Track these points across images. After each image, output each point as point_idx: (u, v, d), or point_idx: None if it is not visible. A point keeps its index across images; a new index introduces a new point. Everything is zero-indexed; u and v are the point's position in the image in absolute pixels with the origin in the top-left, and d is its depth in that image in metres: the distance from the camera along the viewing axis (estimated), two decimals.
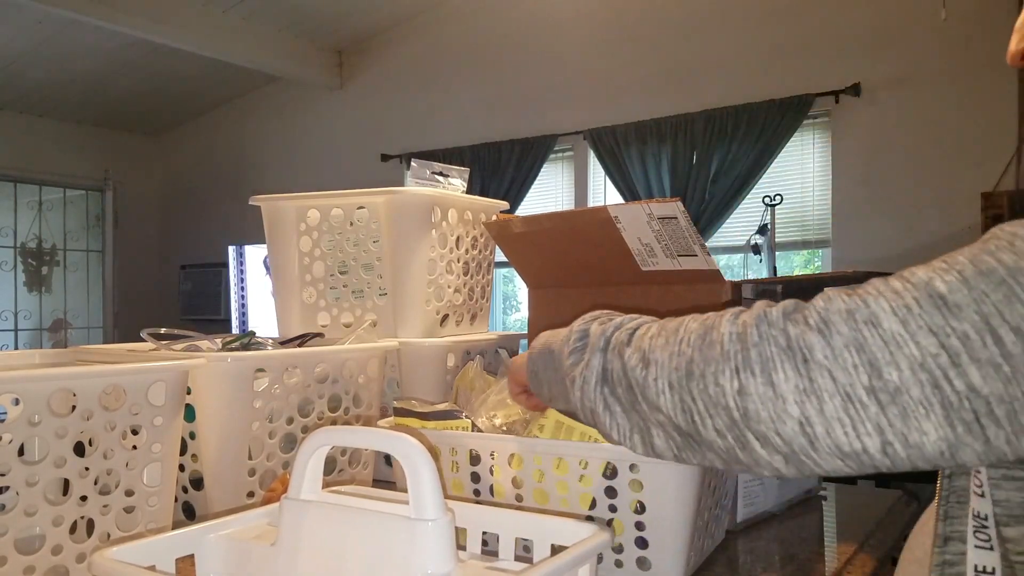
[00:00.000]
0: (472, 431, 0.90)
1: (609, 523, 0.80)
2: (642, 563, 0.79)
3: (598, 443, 0.79)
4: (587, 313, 0.67)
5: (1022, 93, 0.72)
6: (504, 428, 0.90)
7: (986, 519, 0.54)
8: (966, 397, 0.44)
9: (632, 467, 0.78)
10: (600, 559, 0.80)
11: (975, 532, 0.54)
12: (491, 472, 0.86)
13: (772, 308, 0.51)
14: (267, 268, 5.19)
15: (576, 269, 1.18)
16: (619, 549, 0.80)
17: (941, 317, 0.45)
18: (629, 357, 0.57)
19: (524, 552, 0.62)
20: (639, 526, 0.78)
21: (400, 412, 0.95)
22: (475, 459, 0.87)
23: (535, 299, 1.25)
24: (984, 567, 0.54)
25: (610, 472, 0.79)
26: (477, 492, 0.89)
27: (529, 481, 0.84)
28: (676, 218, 1.00)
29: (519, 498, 0.85)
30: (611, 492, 0.80)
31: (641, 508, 0.78)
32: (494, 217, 1.36)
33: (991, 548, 0.54)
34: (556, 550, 0.56)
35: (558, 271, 1.21)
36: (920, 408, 0.45)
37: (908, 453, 0.46)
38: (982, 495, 0.54)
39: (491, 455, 0.86)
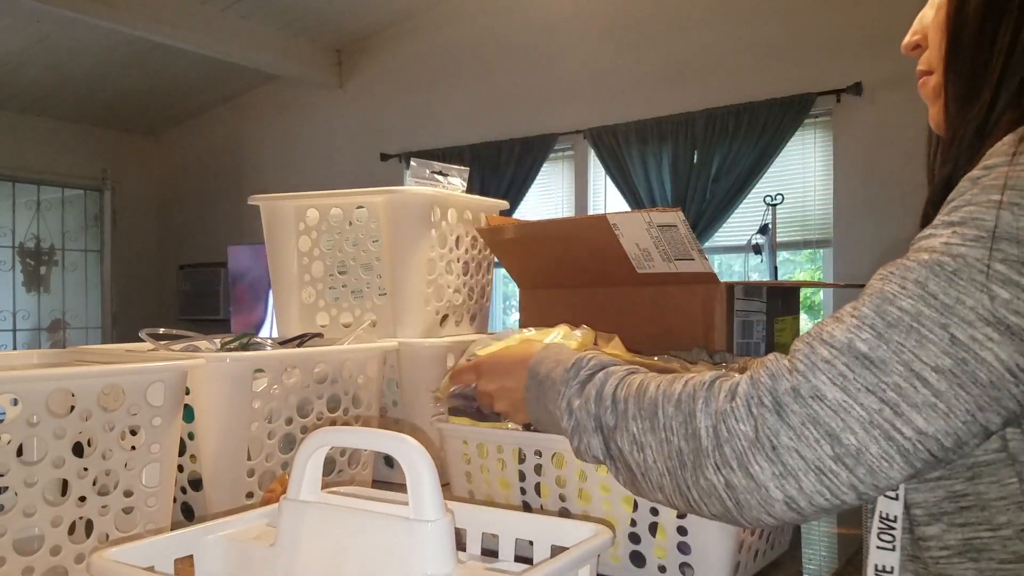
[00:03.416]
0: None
1: (652, 527, 0.79)
2: (685, 568, 0.78)
3: None
4: (555, 371, 0.69)
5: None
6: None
7: (894, 520, 0.59)
8: (917, 441, 0.50)
9: None
10: (644, 563, 0.80)
11: (879, 534, 0.59)
12: (536, 471, 0.86)
13: (735, 398, 0.55)
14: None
15: (570, 270, 1.18)
16: (661, 554, 0.79)
17: (872, 375, 0.51)
18: (622, 442, 0.62)
19: (524, 553, 0.62)
20: (681, 531, 0.77)
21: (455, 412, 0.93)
22: (521, 458, 0.87)
23: (527, 300, 1.24)
24: (884, 567, 0.59)
25: None
26: (523, 491, 0.88)
27: (573, 481, 0.83)
28: (676, 226, 1.00)
29: (562, 498, 0.84)
30: None
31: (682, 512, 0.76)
32: (483, 219, 1.36)
33: (892, 549, 0.59)
34: (556, 551, 0.56)
35: (552, 272, 1.21)
36: (883, 462, 0.51)
37: (881, 492, 0.54)
38: (895, 498, 0.59)
39: (536, 453, 0.85)
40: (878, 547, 0.59)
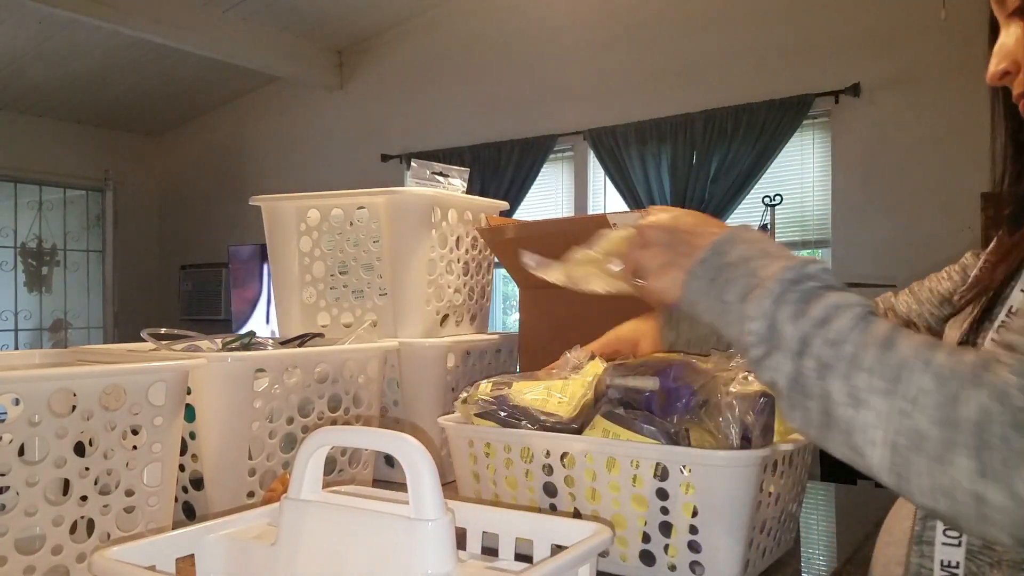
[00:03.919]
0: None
1: (663, 525, 0.79)
2: (695, 567, 0.78)
3: (648, 443, 0.79)
4: (767, 255, 0.57)
5: (995, 103, 0.75)
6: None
7: None
8: None
9: (685, 468, 0.77)
10: (654, 562, 0.81)
11: (944, 531, 0.56)
12: (544, 471, 0.86)
13: (1006, 393, 0.46)
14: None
15: None
16: (672, 552, 0.79)
17: None
18: (831, 383, 0.51)
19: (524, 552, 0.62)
20: (692, 529, 0.78)
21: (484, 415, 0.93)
22: (529, 458, 0.88)
23: (527, 299, 1.25)
24: (950, 562, 0.57)
25: (661, 473, 0.78)
26: (531, 490, 0.88)
27: (583, 481, 0.83)
28: None
29: (572, 497, 0.85)
30: (662, 494, 0.78)
31: (694, 510, 0.77)
32: (483, 220, 1.36)
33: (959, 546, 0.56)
34: (556, 550, 0.56)
35: None
36: None
37: None
38: None
39: (545, 454, 0.86)
40: (944, 543, 0.56)
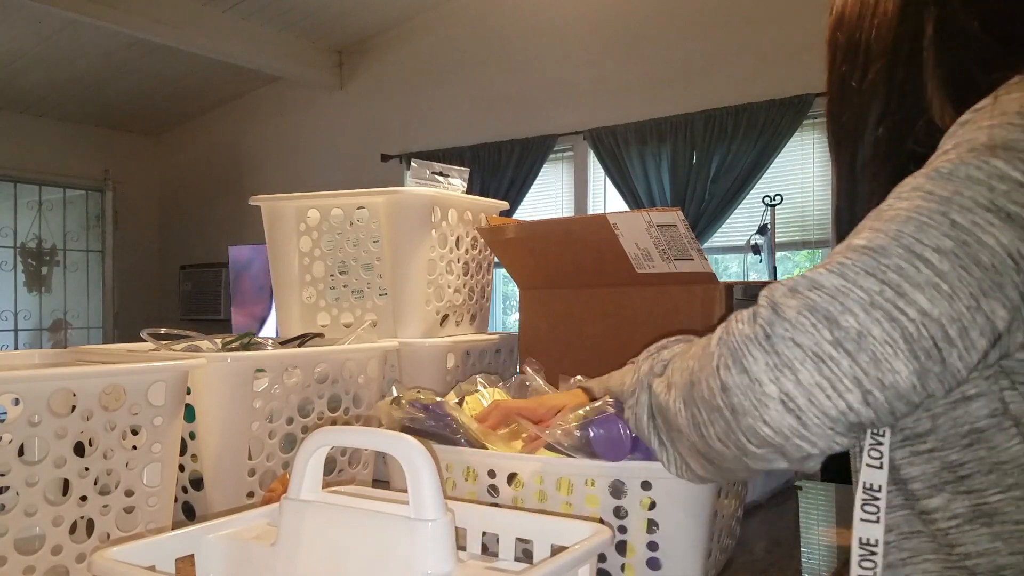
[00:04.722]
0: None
1: (619, 545, 0.76)
2: None
3: (601, 462, 0.74)
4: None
5: None
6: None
7: (878, 490, 0.55)
8: (921, 324, 0.47)
9: (644, 484, 0.73)
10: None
11: (862, 506, 0.55)
12: (490, 492, 0.81)
13: (743, 312, 0.54)
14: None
15: (570, 271, 1.18)
16: (629, 572, 0.76)
17: (872, 259, 0.49)
18: (659, 385, 0.60)
19: (525, 552, 0.62)
20: (651, 546, 0.74)
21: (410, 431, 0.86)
22: (474, 476, 0.82)
23: (527, 300, 1.25)
24: (868, 539, 0.55)
25: (616, 491, 0.75)
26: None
27: (531, 503, 0.79)
28: (675, 225, 1.00)
29: None
30: (620, 512, 0.75)
31: (654, 527, 0.74)
32: (483, 220, 1.36)
33: (876, 521, 0.55)
34: (556, 550, 0.56)
35: (551, 273, 1.21)
36: (886, 347, 0.47)
37: (886, 396, 0.48)
38: (879, 467, 0.55)
39: (489, 474, 0.81)
40: (862, 520, 0.55)
